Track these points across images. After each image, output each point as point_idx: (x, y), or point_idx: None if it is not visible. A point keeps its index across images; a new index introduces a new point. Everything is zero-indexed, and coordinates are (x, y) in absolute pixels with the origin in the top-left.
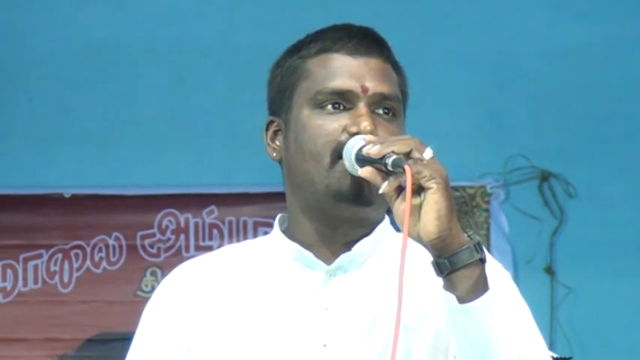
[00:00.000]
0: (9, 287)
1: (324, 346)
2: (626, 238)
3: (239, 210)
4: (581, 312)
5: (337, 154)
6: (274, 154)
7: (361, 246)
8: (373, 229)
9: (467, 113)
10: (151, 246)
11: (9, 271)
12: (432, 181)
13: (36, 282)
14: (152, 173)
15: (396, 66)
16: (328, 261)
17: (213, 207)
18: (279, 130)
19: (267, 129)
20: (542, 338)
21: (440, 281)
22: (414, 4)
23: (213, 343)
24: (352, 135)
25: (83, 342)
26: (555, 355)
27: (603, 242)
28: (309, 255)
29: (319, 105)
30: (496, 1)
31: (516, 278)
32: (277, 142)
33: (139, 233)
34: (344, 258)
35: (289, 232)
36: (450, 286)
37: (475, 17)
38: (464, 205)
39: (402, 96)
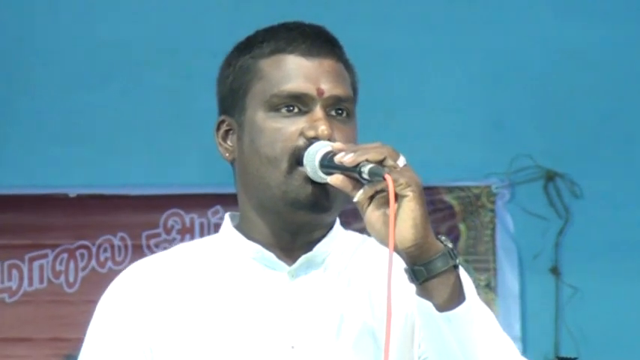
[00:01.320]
0: (14, 287)
1: (292, 347)
2: (632, 238)
3: None
4: (587, 312)
5: (295, 160)
6: (227, 155)
7: (321, 246)
8: (330, 229)
9: (472, 114)
10: (157, 246)
11: (14, 271)
12: (408, 189)
13: (41, 282)
14: (157, 173)
15: (347, 64)
16: (287, 261)
17: (218, 207)
18: (230, 130)
19: (218, 128)
20: (511, 340)
21: (409, 284)
22: (419, 5)
23: (177, 345)
24: (310, 139)
25: None
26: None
27: (609, 242)
28: (270, 256)
29: (274, 108)
30: (501, 2)
31: (522, 278)
32: (230, 142)
33: (145, 233)
34: (305, 258)
35: (243, 231)
36: (425, 293)
37: (480, 18)
38: (469, 205)
39: (354, 93)
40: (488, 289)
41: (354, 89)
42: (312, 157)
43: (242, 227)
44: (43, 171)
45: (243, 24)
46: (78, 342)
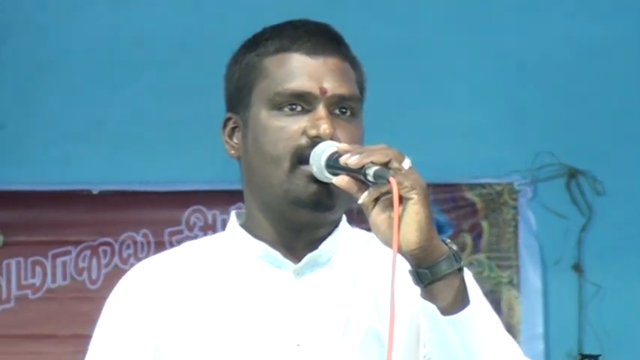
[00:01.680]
0: (38, 283)
1: (298, 345)
2: None
3: None
4: (609, 309)
5: (297, 159)
6: (232, 152)
7: (326, 245)
8: (335, 227)
9: (495, 110)
10: (179, 242)
11: (38, 268)
12: (413, 191)
13: (64, 278)
14: (180, 170)
15: (353, 62)
16: (292, 260)
17: (240, 204)
18: (236, 127)
19: (224, 125)
20: (514, 340)
21: (414, 285)
22: (442, 2)
23: (183, 343)
24: (312, 138)
25: None
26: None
27: (632, 239)
28: (275, 254)
29: (277, 106)
30: None
31: (544, 276)
32: (235, 140)
33: (167, 230)
34: (311, 257)
35: (249, 229)
36: (430, 296)
37: (503, 14)
38: (491, 203)
39: (361, 92)
40: (510, 286)
41: (361, 88)
42: (319, 157)
43: (248, 225)
44: (65, 168)
45: (267, 21)
46: None
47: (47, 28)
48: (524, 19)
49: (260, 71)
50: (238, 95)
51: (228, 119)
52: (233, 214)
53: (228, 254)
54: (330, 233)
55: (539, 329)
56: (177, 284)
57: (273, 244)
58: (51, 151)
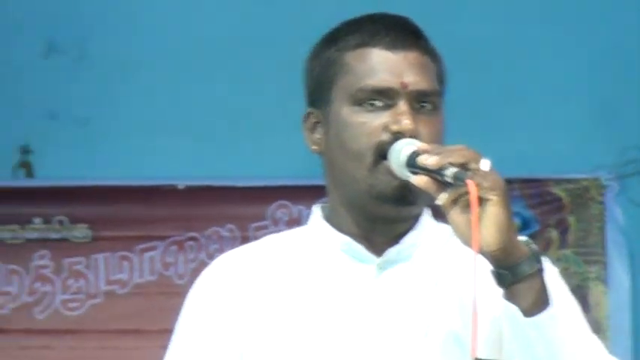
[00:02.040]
0: (125, 278)
1: (381, 342)
2: None
3: None
4: None
5: (379, 154)
6: (315, 147)
7: (408, 239)
8: (417, 221)
9: (581, 104)
10: None
11: (125, 263)
12: (492, 193)
13: (152, 273)
14: (265, 164)
15: (433, 55)
16: (373, 254)
17: (326, 198)
18: (318, 122)
19: (305, 120)
20: (597, 339)
21: (496, 287)
22: None
23: (266, 337)
24: (394, 134)
25: None
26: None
27: None
28: (359, 248)
29: (359, 102)
30: None
31: (633, 271)
32: (317, 135)
33: (252, 225)
34: (393, 251)
35: (333, 223)
36: (511, 297)
37: (591, 7)
38: (578, 198)
39: (441, 85)
40: (598, 282)
41: (441, 81)
42: (397, 155)
43: (331, 219)
44: (151, 163)
45: (344, 13)
46: None
47: (131, 25)
48: (611, 11)
49: (340, 66)
50: (319, 90)
51: (310, 114)
52: (316, 207)
53: (312, 247)
54: (411, 228)
55: (628, 325)
56: (259, 277)
57: (355, 238)
58: (137, 147)
